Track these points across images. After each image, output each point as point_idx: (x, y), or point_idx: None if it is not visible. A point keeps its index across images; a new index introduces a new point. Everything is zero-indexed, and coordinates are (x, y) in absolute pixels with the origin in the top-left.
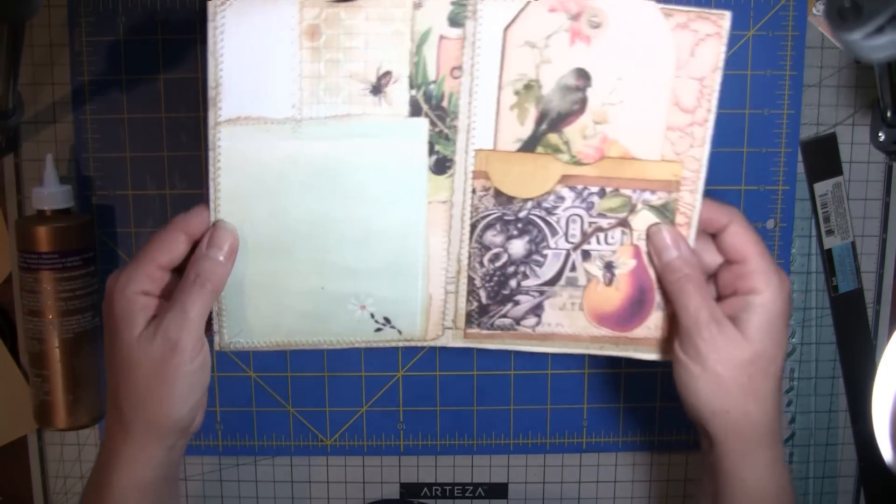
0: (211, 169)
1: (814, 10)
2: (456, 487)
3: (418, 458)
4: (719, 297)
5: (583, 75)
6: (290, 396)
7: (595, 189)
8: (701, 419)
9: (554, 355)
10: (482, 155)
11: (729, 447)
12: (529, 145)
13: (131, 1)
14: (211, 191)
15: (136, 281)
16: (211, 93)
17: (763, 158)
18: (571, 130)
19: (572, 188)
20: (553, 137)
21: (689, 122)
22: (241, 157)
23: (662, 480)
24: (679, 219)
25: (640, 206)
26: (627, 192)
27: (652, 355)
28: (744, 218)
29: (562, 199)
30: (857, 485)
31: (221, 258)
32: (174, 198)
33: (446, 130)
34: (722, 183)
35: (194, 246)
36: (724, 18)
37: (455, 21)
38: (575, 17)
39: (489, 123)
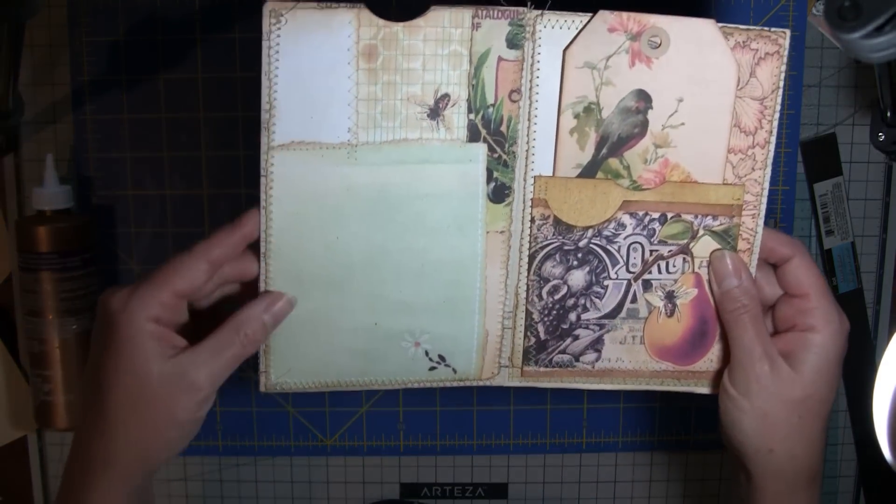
0: (263, 196)
1: (814, 10)
2: (456, 487)
3: (418, 458)
4: (776, 332)
5: (643, 97)
6: (291, 396)
7: (656, 215)
8: (742, 456)
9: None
10: (541, 182)
11: (769, 487)
12: (590, 171)
13: (131, 1)
14: (263, 219)
15: (151, 307)
16: (264, 115)
17: None
18: (632, 155)
19: (633, 215)
20: (613, 162)
21: (751, 145)
22: (294, 185)
23: (662, 480)
24: (741, 245)
25: (701, 231)
26: (689, 217)
27: (714, 390)
28: (807, 252)
29: (623, 226)
30: (857, 485)
31: (271, 325)
32: (174, 198)
33: (505, 156)
34: None
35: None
36: (784, 37)
37: (513, 42)
38: (635, 36)
39: (548, 148)
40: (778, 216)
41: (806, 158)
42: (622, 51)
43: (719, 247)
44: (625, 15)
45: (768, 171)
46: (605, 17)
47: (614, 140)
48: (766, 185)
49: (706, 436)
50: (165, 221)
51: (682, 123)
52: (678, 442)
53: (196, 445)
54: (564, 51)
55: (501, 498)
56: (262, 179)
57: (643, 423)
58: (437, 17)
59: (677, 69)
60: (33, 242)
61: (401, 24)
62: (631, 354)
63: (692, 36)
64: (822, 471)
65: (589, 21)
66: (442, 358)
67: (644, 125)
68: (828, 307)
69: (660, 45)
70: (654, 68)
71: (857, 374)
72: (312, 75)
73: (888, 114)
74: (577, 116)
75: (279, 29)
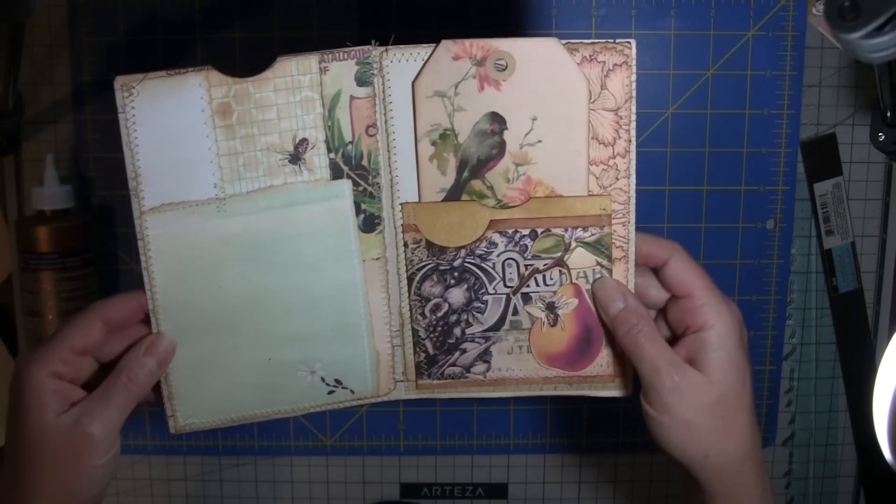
0: (142, 258)
1: (814, 10)
2: (456, 487)
3: (418, 458)
4: (672, 336)
5: (497, 119)
6: None
7: (526, 231)
8: (683, 466)
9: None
10: (409, 208)
11: (716, 490)
12: (454, 194)
13: (131, 1)
14: (146, 280)
15: (49, 363)
16: (131, 184)
17: (763, 158)
18: (494, 175)
19: (503, 233)
20: (476, 184)
21: (611, 155)
22: (171, 243)
23: (662, 480)
24: (615, 252)
25: (574, 244)
26: (559, 231)
27: (607, 392)
28: (684, 251)
29: (494, 244)
30: (857, 485)
31: (156, 368)
32: None
33: (370, 188)
34: (722, 183)
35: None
36: (630, 47)
37: (363, 80)
38: (480, 62)
39: (411, 176)
40: (778, 216)
41: (806, 158)
42: (469, 76)
43: (594, 257)
44: (467, 42)
45: (632, 178)
46: (448, 46)
47: (474, 163)
48: (633, 192)
49: None
50: None
51: (540, 140)
52: None
53: (196, 445)
54: (413, 82)
55: (501, 498)
56: (140, 243)
57: (642, 423)
58: (285, 67)
59: (527, 89)
60: (33, 242)
61: (250, 79)
62: (520, 363)
63: (538, 55)
64: (762, 460)
65: (433, 52)
66: (338, 381)
67: (502, 146)
68: (714, 300)
69: (506, 67)
70: (504, 90)
71: (857, 374)
72: (172, 139)
73: (888, 114)
74: (434, 143)
75: (132, 100)
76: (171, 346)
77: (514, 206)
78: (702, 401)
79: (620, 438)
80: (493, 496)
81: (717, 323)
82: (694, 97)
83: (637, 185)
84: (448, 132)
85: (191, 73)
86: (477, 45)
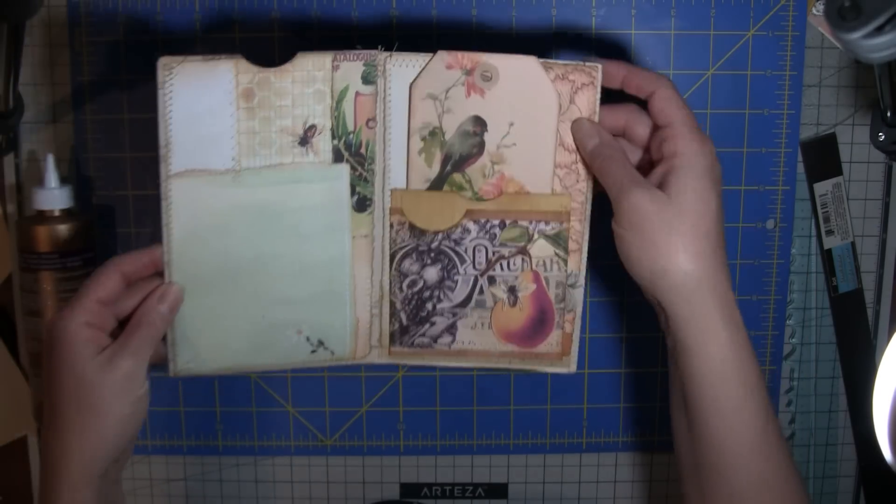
0: (164, 217)
1: (814, 10)
2: (456, 487)
3: (418, 458)
4: (651, 166)
5: (479, 122)
6: (290, 396)
7: (496, 222)
8: (645, 286)
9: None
10: (397, 194)
11: (678, 313)
12: (437, 184)
13: (131, 1)
14: (164, 235)
15: (80, 314)
16: (162, 150)
17: (763, 158)
18: (473, 171)
19: (476, 221)
20: (457, 177)
21: (574, 161)
22: (189, 206)
23: (662, 480)
24: (571, 245)
25: (536, 235)
26: (524, 223)
27: (553, 369)
28: (671, 85)
29: (468, 231)
30: (857, 485)
31: (167, 313)
32: None
33: (365, 174)
34: (722, 183)
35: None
36: (596, 70)
37: (368, 79)
38: (469, 72)
39: (401, 166)
40: (778, 216)
41: (806, 158)
42: (459, 84)
43: (552, 248)
44: (459, 54)
45: (591, 182)
46: (443, 56)
47: (456, 158)
48: (590, 194)
49: None
50: None
51: (514, 144)
52: None
53: (196, 445)
54: (410, 85)
55: (501, 498)
56: (163, 203)
57: (643, 423)
58: (303, 62)
59: (507, 98)
60: (33, 242)
61: (272, 69)
62: (481, 338)
63: (518, 70)
64: (734, 300)
65: (430, 60)
66: (321, 342)
67: (481, 146)
68: (687, 132)
69: (491, 78)
70: (488, 97)
71: (857, 374)
72: (201, 115)
73: (888, 114)
74: (423, 139)
75: (171, 79)
76: (180, 294)
77: (487, 199)
78: (662, 216)
79: (620, 438)
80: (493, 496)
81: (686, 151)
82: (694, 97)
83: None
84: (437, 130)
85: (223, 60)
86: (467, 58)
